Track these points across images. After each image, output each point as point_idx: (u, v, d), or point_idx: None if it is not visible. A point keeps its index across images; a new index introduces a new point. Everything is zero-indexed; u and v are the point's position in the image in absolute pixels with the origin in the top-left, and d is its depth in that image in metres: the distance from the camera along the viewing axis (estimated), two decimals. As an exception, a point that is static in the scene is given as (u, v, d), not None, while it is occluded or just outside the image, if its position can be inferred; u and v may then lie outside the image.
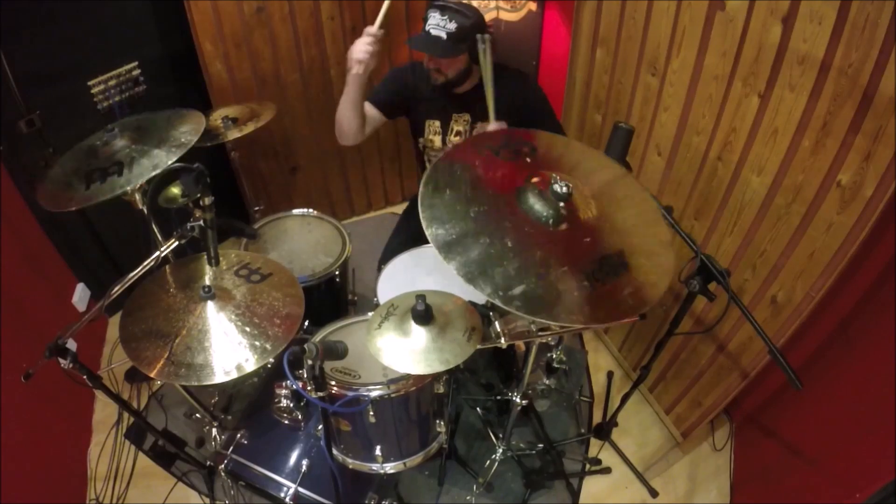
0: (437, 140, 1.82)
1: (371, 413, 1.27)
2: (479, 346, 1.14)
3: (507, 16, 2.39)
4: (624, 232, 1.15)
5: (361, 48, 1.56)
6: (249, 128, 1.91)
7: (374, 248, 2.01)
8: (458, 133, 1.79)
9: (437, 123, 1.80)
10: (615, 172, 1.30)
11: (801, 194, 1.29)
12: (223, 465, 1.46)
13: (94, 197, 1.34)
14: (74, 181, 1.38)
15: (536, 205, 1.11)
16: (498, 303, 0.97)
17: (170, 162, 1.37)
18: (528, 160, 1.25)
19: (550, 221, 1.10)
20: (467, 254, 1.01)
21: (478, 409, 2.06)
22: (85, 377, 1.22)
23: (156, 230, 1.61)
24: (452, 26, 1.53)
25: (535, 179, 1.18)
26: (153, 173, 1.34)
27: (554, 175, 1.12)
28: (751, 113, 1.36)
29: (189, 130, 1.49)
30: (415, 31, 2.50)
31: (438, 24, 1.54)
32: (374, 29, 1.56)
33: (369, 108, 1.83)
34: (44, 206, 1.36)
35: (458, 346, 1.12)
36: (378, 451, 1.41)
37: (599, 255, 1.07)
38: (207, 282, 1.33)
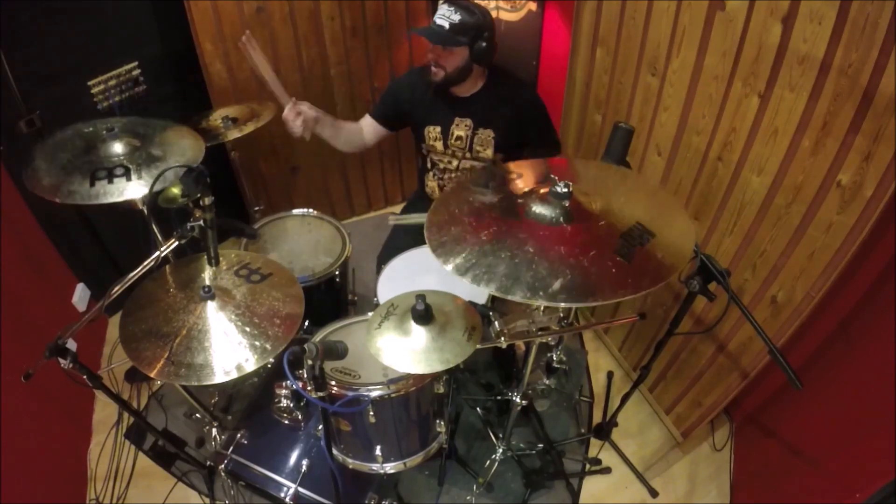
0: (439, 145, 1.82)
1: (371, 413, 1.27)
2: (479, 346, 1.14)
3: (507, 16, 2.39)
4: (632, 209, 1.17)
5: (296, 129, 1.62)
6: (249, 128, 1.91)
7: (374, 248, 2.01)
8: (458, 138, 1.78)
9: (438, 129, 1.80)
10: (602, 170, 1.36)
11: (801, 194, 1.29)
12: (223, 465, 1.46)
13: (101, 196, 1.34)
14: (76, 175, 1.37)
15: (542, 210, 1.14)
16: (542, 303, 0.98)
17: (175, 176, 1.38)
18: (517, 184, 1.30)
19: (561, 219, 1.12)
20: (494, 270, 1.02)
21: (478, 409, 2.06)
22: (85, 377, 1.22)
23: (156, 230, 1.61)
24: (456, 18, 1.56)
25: (532, 189, 1.20)
26: (162, 186, 1.34)
27: (552, 177, 1.13)
28: (751, 113, 1.36)
29: (190, 147, 1.51)
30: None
31: (444, 15, 1.58)
32: (287, 108, 1.60)
33: (371, 123, 1.87)
34: (35, 192, 1.34)
35: (458, 345, 1.12)
36: (378, 451, 1.41)
37: (620, 232, 1.09)
38: (207, 282, 1.33)
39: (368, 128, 1.88)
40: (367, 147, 1.93)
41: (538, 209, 1.14)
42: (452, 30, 1.57)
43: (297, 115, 1.60)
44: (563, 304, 0.98)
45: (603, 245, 1.07)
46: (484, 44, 1.59)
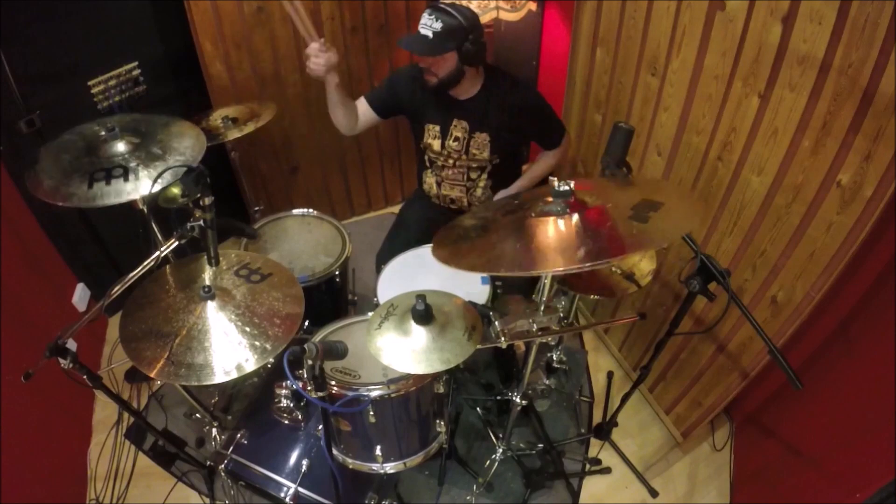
0: (437, 144, 1.82)
1: (371, 413, 1.27)
2: (479, 346, 1.14)
3: (507, 16, 2.39)
4: (635, 192, 1.19)
5: (314, 65, 1.57)
6: (249, 128, 1.91)
7: (374, 248, 2.01)
8: (456, 139, 1.79)
9: (437, 128, 1.80)
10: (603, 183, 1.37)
11: (801, 194, 1.29)
12: (223, 465, 1.46)
13: (98, 198, 1.33)
14: (75, 177, 1.37)
15: (547, 207, 1.15)
16: (572, 268, 1.02)
17: (174, 178, 1.37)
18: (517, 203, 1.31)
19: (568, 210, 1.13)
20: (512, 255, 1.05)
21: (478, 409, 2.06)
22: (85, 377, 1.22)
23: (156, 230, 1.61)
24: (438, 25, 1.55)
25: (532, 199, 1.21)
26: (161, 187, 1.33)
27: (552, 178, 1.14)
28: (751, 113, 1.36)
29: (191, 146, 1.50)
30: (414, 31, 2.51)
31: (426, 24, 1.57)
32: (314, 44, 1.55)
33: (364, 107, 1.85)
34: (36, 195, 1.34)
35: (458, 345, 1.12)
36: (378, 451, 1.41)
37: (629, 206, 1.11)
38: (207, 282, 1.33)
39: (362, 111, 1.86)
40: (357, 130, 1.88)
41: (543, 207, 1.15)
42: (436, 38, 1.56)
43: (323, 55, 1.56)
44: (590, 266, 1.01)
45: (616, 217, 1.10)
46: (471, 45, 1.58)
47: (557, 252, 1.06)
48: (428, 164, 1.90)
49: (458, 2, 2.29)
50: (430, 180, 1.92)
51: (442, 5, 1.58)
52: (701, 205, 1.16)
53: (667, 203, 1.11)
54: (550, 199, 1.15)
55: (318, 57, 1.56)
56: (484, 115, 1.74)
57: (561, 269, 1.02)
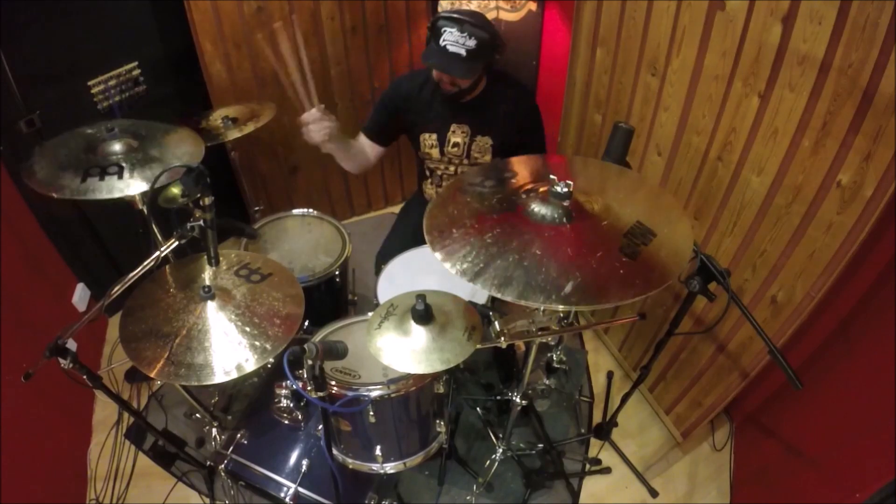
0: (435, 152, 1.79)
1: (371, 413, 1.27)
2: (479, 346, 1.14)
3: (507, 16, 2.38)
4: (632, 208, 1.18)
5: (315, 133, 1.56)
6: (249, 128, 1.91)
7: (374, 248, 2.01)
8: (455, 144, 1.75)
9: (434, 136, 1.76)
10: (600, 169, 1.35)
11: (801, 194, 1.29)
12: (223, 465, 1.46)
13: (89, 192, 1.33)
14: (70, 171, 1.37)
15: (543, 210, 1.14)
16: (557, 306, 0.99)
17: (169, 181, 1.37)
18: (514, 181, 1.29)
19: (564, 220, 1.12)
20: (505, 274, 1.02)
21: (478, 409, 2.06)
22: (85, 377, 1.22)
23: (156, 230, 1.61)
24: (472, 43, 1.47)
25: (531, 188, 1.20)
26: (154, 186, 1.32)
27: (552, 177, 1.13)
28: (751, 113, 1.36)
29: (189, 152, 1.50)
30: (415, 31, 2.51)
31: (457, 42, 1.47)
32: (314, 111, 1.54)
33: (367, 142, 1.83)
34: (30, 185, 1.34)
35: (458, 345, 1.12)
36: (378, 451, 1.41)
37: (622, 232, 1.10)
38: (207, 282, 1.33)
39: (366, 147, 1.84)
40: (371, 166, 1.88)
41: (539, 209, 1.14)
42: (470, 56, 1.48)
43: (325, 124, 1.53)
44: (576, 308, 0.99)
45: (608, 245, 1.08)
46: (498, 56, 1.57)
47: (546, 281, 1.01)
48: (428, 174, 1.89)
49: (459, 3, 2.30)
50: (430, 190, 1.92)
51: (467, 18, 1.49)
52: (691, 236, 1.13)
53: (660, 234, 1.10)
54: (547, 192, 1.15)
55: (320, 123, 1.52)
56: (486, 118, 1.72)
57: (549, 306, 0.99)
